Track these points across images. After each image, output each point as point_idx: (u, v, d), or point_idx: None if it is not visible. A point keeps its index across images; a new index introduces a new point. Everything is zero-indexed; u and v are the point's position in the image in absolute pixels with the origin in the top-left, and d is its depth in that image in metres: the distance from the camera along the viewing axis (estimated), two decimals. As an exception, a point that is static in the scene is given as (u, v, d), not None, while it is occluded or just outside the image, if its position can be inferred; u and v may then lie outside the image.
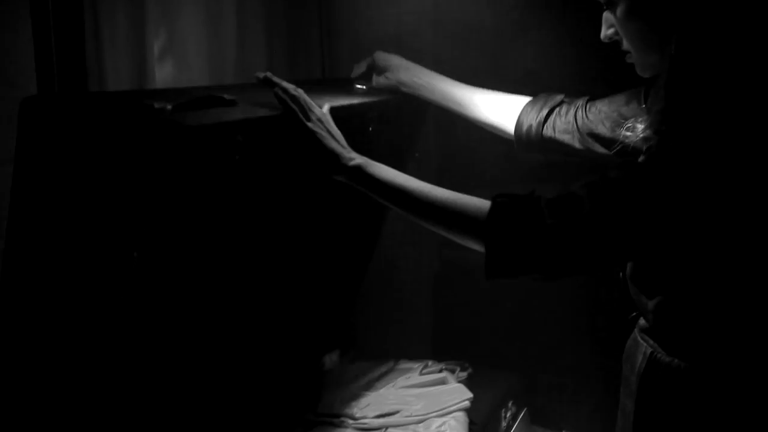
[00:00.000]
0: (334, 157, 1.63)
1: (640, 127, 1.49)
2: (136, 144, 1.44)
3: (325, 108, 1.72)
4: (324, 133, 1.65)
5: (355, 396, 2.24)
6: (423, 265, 2.73)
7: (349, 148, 1.66)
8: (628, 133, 1.52)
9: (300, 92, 1.68)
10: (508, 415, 2.42)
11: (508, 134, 2.00)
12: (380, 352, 2.53)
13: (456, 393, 2.26)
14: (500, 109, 2.00)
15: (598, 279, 2.25)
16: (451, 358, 2.49)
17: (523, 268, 1.46)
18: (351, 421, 2.13)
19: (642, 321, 1.60)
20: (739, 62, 1.36)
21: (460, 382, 2.35)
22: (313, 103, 1.69)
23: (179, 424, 1.85)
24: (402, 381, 2.33)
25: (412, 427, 2.13)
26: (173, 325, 1.82)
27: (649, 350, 1.55)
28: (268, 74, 1.69)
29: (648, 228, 1.40)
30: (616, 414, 1.66)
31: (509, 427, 2.41)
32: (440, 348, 2.66)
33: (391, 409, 2.17)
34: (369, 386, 2.32)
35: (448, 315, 2.77)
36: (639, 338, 1.60)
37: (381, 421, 2.13)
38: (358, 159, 1.63)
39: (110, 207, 1.50)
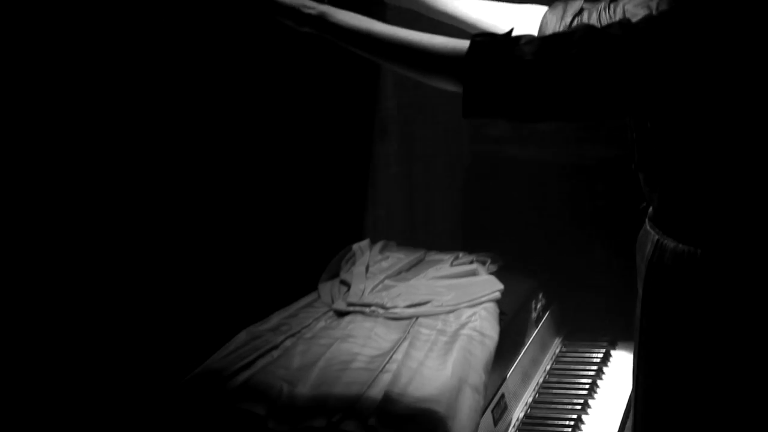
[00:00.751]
0: (294, 11, 1.58)
1: None
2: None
3: None
4: None
5: (386, 286, 2.26)
6: (453, 158, 2.73)
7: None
8: None
9: None
10: (538, 306, 2.43)
11: None
12: (410, 243, 2.54)
13: (487, 284, 2.26)
14: (511, 20, 1.94)
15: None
16: (481, 250, 2.50)
17: (501, 105, 1.46)
18: (381, 311, 2.13)
19: (651, 210, 1.61)
20: None
21: (491, 274, 2.35)
22: None
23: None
24: (433, 272, 2.34)
25: (442, 317, 2.14)
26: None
27: (656, 237, 1.56)
28: None
29: (635, 81, 1.40)
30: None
31: (539, 318, 2.44)
32: (470, 240, 2.68)
33: (421, 299, 2.18)
34: (399, 276, 2.34)
35: (478, 207, 2.77)
36: (648, 227, 1.61)
37: (411, 310, 2.14)
38: (320, 7, 1.57)
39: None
